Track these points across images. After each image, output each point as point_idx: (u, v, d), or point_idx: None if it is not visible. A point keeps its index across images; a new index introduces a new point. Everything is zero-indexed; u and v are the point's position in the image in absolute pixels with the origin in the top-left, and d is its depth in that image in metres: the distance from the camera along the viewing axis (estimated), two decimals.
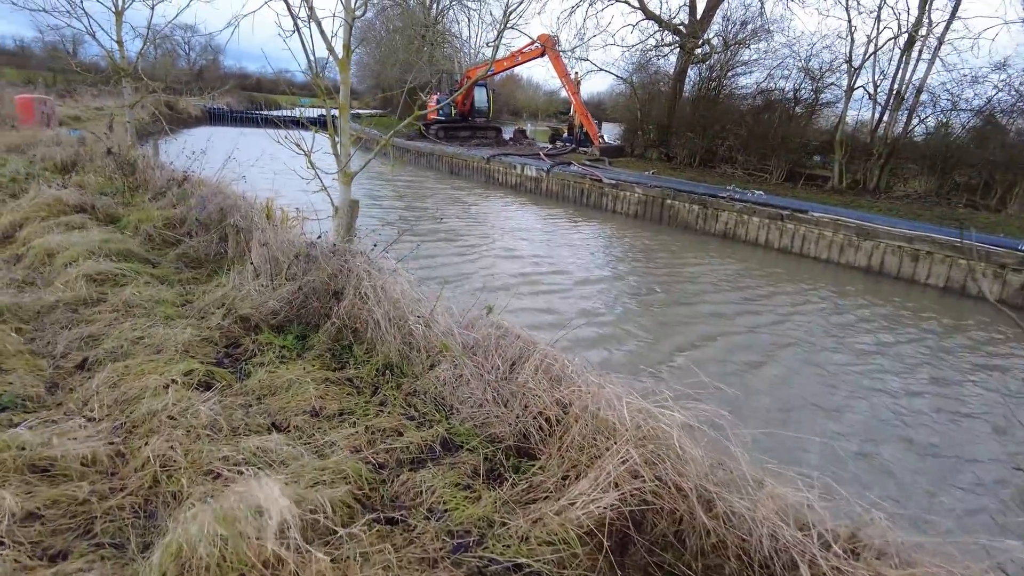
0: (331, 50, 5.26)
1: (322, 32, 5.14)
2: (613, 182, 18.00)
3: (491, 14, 39.99)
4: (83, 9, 10.56)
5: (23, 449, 2.60)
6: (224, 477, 2.56)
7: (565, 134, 31.15)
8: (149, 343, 4.01)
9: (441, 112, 28.73)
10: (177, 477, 2.58)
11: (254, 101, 53.35)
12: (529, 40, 23.71)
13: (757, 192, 16.40)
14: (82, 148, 11.52)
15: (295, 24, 4.76)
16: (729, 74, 21.31)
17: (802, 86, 19.53)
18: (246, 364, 3.90)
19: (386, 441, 3.03)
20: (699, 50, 21.28)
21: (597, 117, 28.06)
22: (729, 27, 20.91)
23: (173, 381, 3.43)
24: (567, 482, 2.60)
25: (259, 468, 2.63)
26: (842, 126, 18.62)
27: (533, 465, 2.82)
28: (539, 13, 36.52)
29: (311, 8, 5.12)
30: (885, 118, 18.14)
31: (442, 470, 2.78)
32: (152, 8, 11.09)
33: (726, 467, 2.43)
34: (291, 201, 7.50)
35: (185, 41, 56.10)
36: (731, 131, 20.43)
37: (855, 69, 17.87)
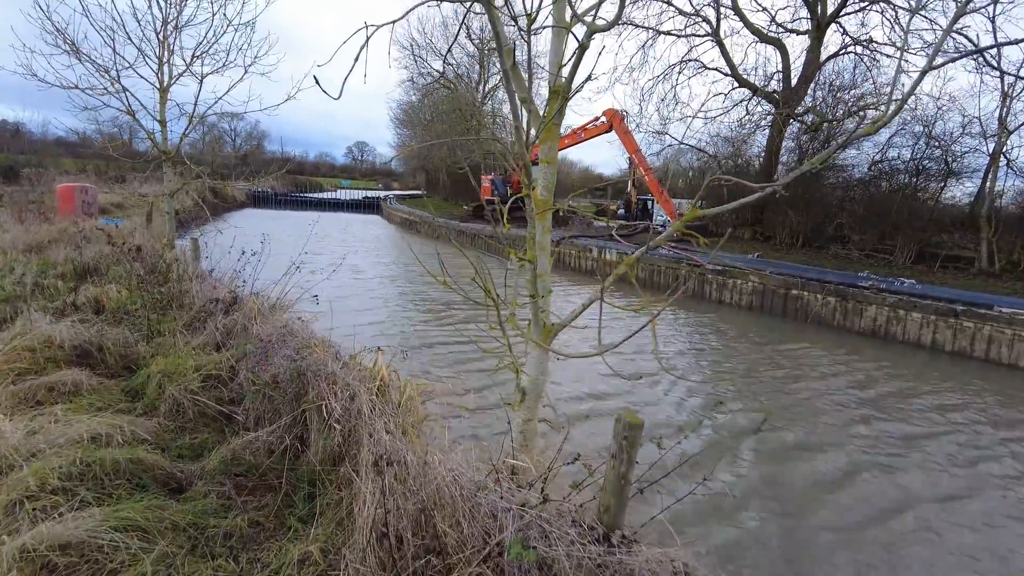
0: (526, 100, 2.80)
1: (528, 60, 2.68)
2: (718, 268, 15.30)
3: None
4: (121, 84, 8.69)
5: None
6: None
7: (620, 211, 29.06)
8: None
9: (496, 192, 27.00)
10: None
11: (298, 184, 53.37)
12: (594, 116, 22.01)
13: (908, 281, 13.48)
14: (109, 246, 9.40)
15: (497, 44, 2.31)
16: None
17: (926, 154, 16.91)
18: None
19: None
20: (801, 119, 19.05)
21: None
22: (833, 94, 18.73)
23: None
24: None
25: None
26: (988, 199, 15.80)
27: None
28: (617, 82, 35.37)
29: (517, 17, 2.70)
30: None
31: None
32: (201, 81, 9.21)
33: None
34: (395, 335, 4.94)
35: (232, 128, 57.54)
36: (842, 207, 17.76)
37: (1008, 132, 15.20)
